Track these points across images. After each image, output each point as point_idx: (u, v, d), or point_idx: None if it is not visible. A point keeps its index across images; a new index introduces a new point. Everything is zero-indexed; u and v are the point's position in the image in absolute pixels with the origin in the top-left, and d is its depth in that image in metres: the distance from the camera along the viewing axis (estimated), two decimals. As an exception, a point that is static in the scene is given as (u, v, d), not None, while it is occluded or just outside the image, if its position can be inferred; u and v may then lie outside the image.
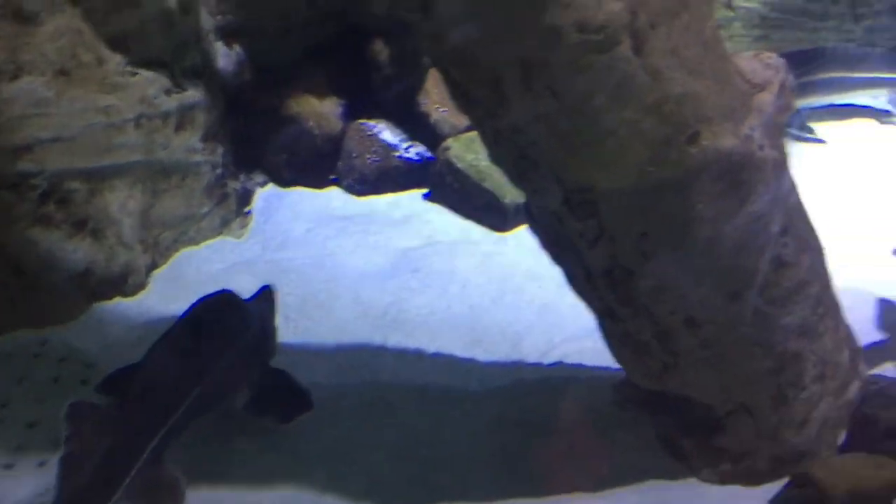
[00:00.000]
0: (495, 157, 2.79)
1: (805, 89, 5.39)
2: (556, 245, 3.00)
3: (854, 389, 3.21)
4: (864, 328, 3.97)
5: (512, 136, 2.61)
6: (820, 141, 5.58)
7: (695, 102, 2.55)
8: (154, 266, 4.39)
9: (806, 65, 5.47)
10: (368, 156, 5.19)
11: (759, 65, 2.75)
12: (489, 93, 2.51)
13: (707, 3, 2.55)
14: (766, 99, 2.72)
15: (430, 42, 2.61)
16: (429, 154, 5.24)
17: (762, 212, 2.74)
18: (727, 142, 2.62)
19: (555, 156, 2.62)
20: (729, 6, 6.27)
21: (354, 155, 5.21)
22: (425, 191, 5.19)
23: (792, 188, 2.90)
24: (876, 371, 3.60)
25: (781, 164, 2.78)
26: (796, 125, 5.49)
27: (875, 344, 3.91)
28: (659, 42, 2.45)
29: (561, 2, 2.32)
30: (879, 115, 5.89)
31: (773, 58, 2.79)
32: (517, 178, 2.75)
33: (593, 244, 2.81)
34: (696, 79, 2.54)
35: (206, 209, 4.64)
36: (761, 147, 2.68)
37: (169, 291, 4.26)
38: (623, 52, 2.42)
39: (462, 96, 2.64)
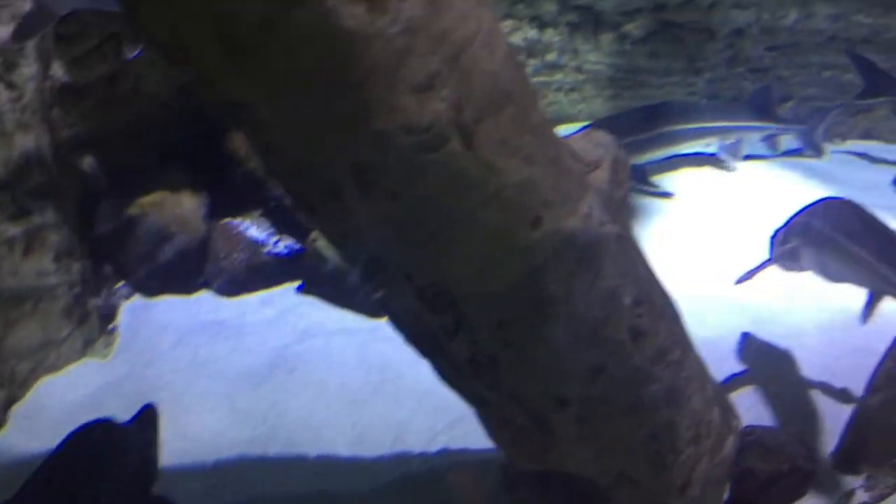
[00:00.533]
0: (345, 260, 2.75)
1: (649, 143, 5.57)
2: (419, 338, 2.96)
3: (730, 444, 3.26)
4: (726, 365, 4.11)
5: (358, 239, 2.57)
6: (668, 194, 5.76)
7: (533, 188, 2.58)
8: (12, 401, 4.14)
9: (649, 120, 5.66)
10: (237, 254, 5.08)
11: (590, 144, 2.82)
12: (328, 201, 2.48)
13: (531, 92, 2.60)
14: (601, 176, 2.77)
15: (264, 154, 2.57)
16: (298, 246, 5.17)
17: (613, 285, 2.77)
18: (569, 223, 2.65)
19: (402, 255, 2.60)
20: (579, 70, 6.49)
21: (222, 255, 5.10)
22: (298, 283, 5.11)
23: (639, 259, 2.95)
24: (735, 394, 3.73)
25: (625, 238, 2.83)
26: (641, 181, 5.63)
27: (735, 375, 4.07)
28: (488, 135, 2.47)
29: (385, 107, 2.32)
30: (720, 161, 6.12)
31: (603, 136, 2.86)
32: (369, 279, 2.71)
33: (453, 335, 2.78)
34: (531, 166, 2.57)
35: (65, 332, 4.43)
36: (602, 223, 2.72)
37: (31, 427, 4.02)
38: (454, 148, 2.43)
39: (303, 205, 2.60)
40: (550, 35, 6.31)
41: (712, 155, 6.05)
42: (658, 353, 2.92)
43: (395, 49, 2.28)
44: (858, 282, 3.76)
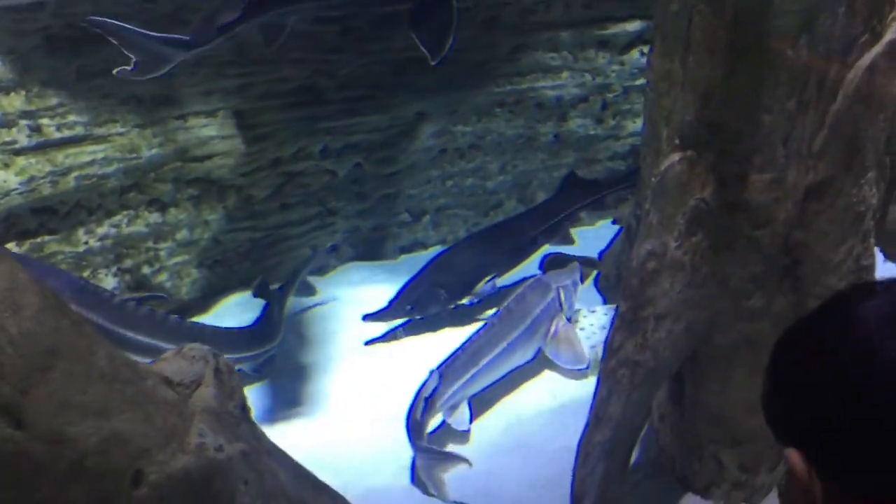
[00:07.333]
0: None
1: None
2: None
3: None
4: None
5: None
6: None
7: (120, 443, 2.20)
8: None
9: None
10: None
11: (185, 362, 2.50)
12: None
13: (87, 335, 2.24)
14: (206, 393, 2.46)
15: None
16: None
17: (256, 510, 2.45)
18: (178, 463, 2.30)
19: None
20: (216, 240, 6.24)
21: None
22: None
23: (282, 465, 2.66)
24: None
25: (253, 451, 2.52)
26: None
27: None
28: (42, 404, 2.07)
29: None
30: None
31: (196, 348, 2.55)
32: None
33: None
34: (111, 417, 2.20)
35: None
36: (220, 448, 2.39)
37: None
38: (2, 434, 2.00)
39: None
40: (175, 214, 6.00)
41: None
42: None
43: None
44: None
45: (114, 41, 4.65)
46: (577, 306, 5.13)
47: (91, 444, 2.15)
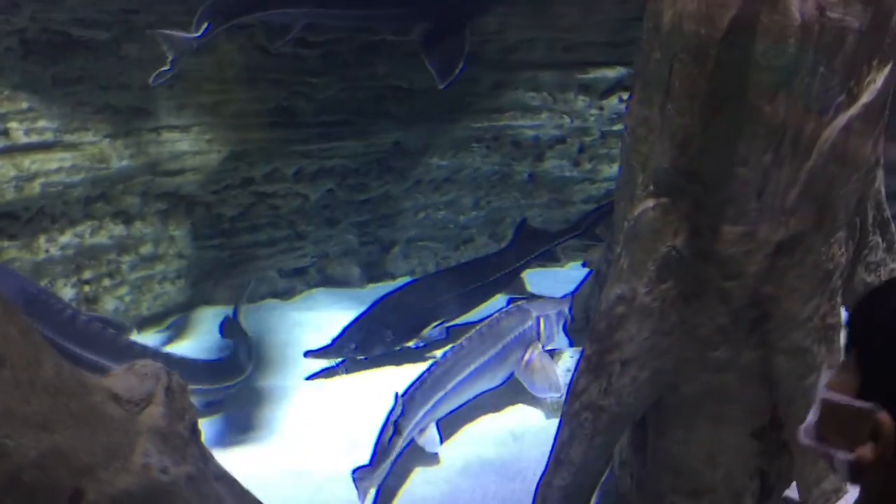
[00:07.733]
0: None
1: None
2: None
3: None
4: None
5: None
6: None
7: (61, 459, 2.11)
8: None
9: None
10: None
11: (135, 379, 2.42)
12: None
13: (35, 345, 2.16)
14: (155, 412, 2.38)
15: None
16: None
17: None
18: (121, 482, 2.21)
19: None
20: (181, 256, 6.13)
21: None
22: None
23: (227, 487, 2.57)
24: None
25: (199, 475, 2.43)
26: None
27: None
28: (-18, 412, 1.98)
29: None
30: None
31: (149, 365, 2.47)
32: None
33: None
34: (55, 431, 2.12)
35: None
36: (165, 470, 2.31)
37: None
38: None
39: None
40: (140, 227, 5.91)
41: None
42: None
43: None
44: None
45: (164, 45, 4.83)
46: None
47: (30, 458, 2.06)
